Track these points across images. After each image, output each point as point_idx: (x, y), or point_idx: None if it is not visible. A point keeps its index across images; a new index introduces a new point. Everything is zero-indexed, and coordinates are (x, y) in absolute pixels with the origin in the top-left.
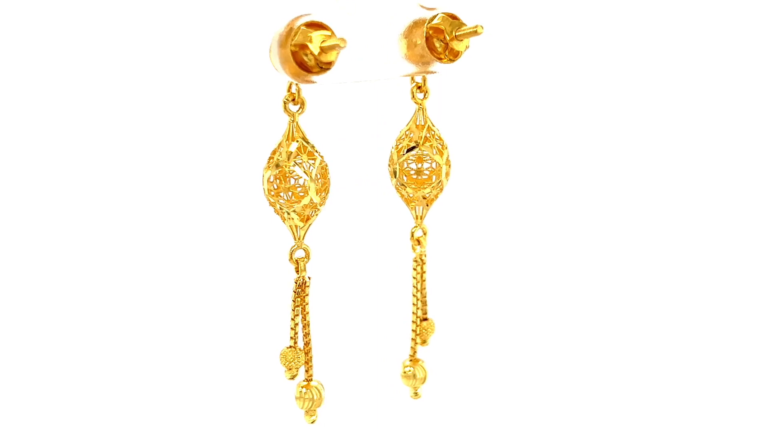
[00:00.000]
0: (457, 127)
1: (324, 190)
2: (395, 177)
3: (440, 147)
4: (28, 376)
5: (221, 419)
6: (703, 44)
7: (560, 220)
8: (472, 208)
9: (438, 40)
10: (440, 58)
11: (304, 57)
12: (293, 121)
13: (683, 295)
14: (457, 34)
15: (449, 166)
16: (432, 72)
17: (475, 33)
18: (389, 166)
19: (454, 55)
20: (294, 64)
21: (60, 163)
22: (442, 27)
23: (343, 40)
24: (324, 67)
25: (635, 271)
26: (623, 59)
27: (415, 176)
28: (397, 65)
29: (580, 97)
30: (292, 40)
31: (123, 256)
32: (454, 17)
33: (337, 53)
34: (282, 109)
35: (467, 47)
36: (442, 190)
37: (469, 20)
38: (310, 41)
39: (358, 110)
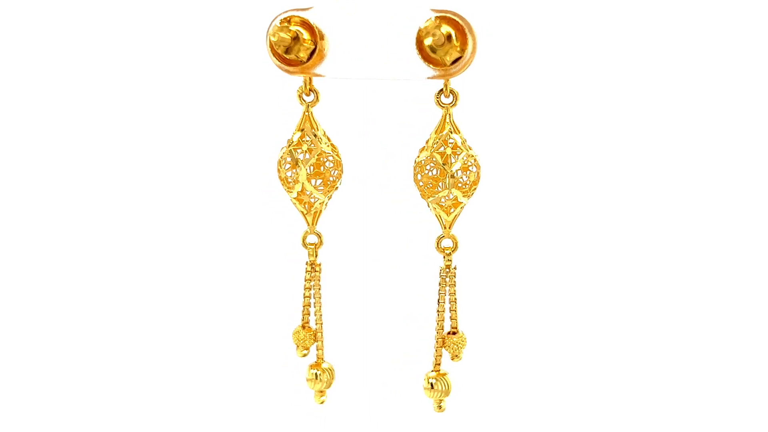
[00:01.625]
0: (490, 134)
1: (320, 178)
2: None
3: (454, 154)
4: (50, 368)
5: (234, 398)
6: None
7: (593, 229)
8: (501, 217)
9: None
10: (432, 63)
11: (277, 49)
12: (306, 111)
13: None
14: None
15: (470, 173)
16: (451, 75)
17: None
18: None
19: (441, 62)
20: (273, 56)
21: (78, 158)
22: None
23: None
24: (299, 60)
25: (677, 284)
26: (651, 64)
27: (423, 183)
28: (414, 67)
29: (615, 102)
30: (268, 32)
31: (140, 242)
32: (445, 21)
33: (308, 49)
34: (297, 99)
35: (451, 53)
36: (456, 199)
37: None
38: (273, 35)
39: (393, 112)
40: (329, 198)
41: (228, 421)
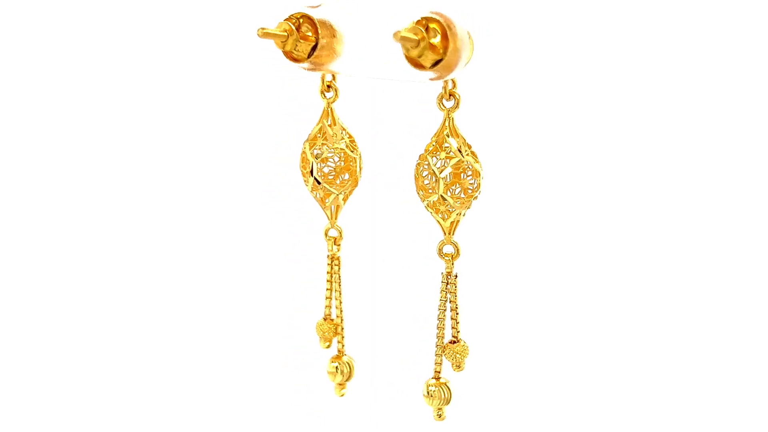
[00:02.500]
0: (498, 138)
1: (345, 172)
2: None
3: (448, 159)
4: (54, 370)
5: (254, 391)
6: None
7: (599, 236)
8: (507, 223)
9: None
10: (414, 65)
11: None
12: (327, 107)
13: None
14: None
15: (464, 179)
16: (443, 77)
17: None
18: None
19: (421, 65)
20: (282, 52)
21: (103, 158)
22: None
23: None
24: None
25: (686, 289)
26: (654, 62)
27: (420, 188)
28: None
29: (617, 103)
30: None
31: (162, 235)
32: (430, 22)
33: (307, 46)
34: (319, 95)
35: (429, 55)
36: (451, 206)
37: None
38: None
39: (405, 113)
40: (350, 192)
41: (244, 414)
